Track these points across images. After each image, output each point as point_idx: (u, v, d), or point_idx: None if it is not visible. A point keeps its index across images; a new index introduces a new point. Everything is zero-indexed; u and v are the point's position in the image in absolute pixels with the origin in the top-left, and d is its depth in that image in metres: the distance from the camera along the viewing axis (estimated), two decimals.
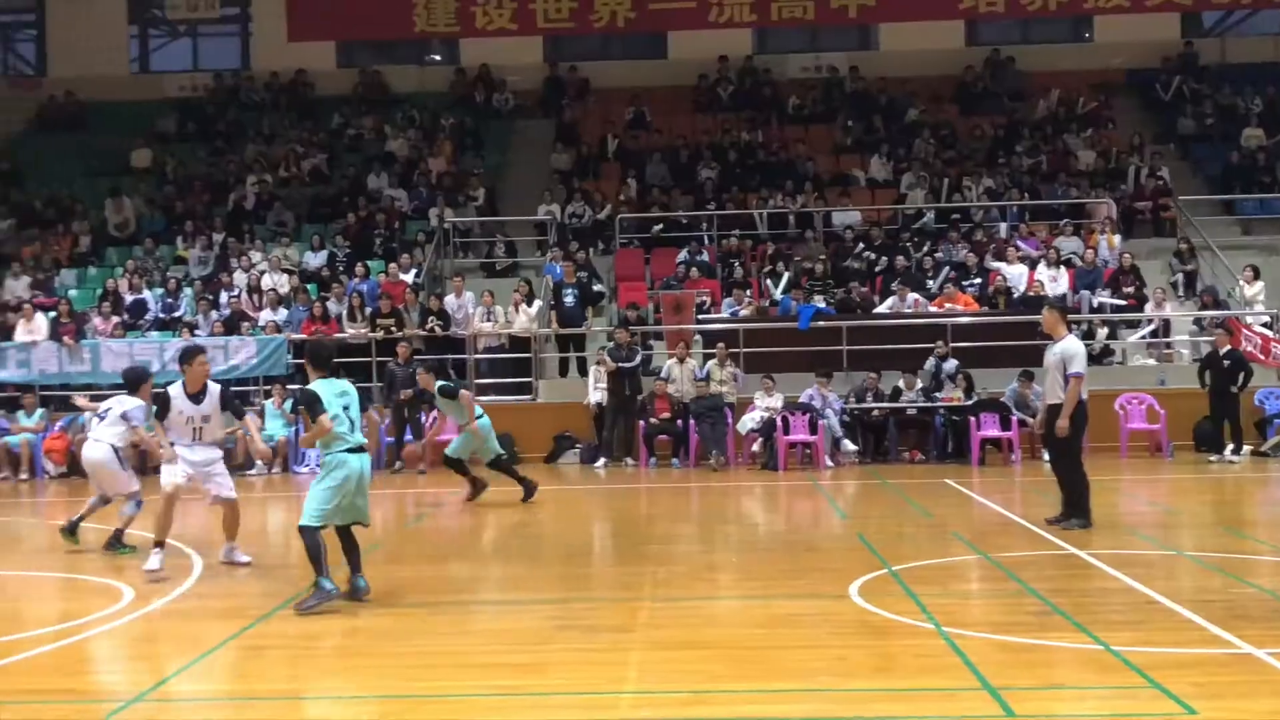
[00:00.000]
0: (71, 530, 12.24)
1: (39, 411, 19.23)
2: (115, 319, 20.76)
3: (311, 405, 9.12)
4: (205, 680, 7.45)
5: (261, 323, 20.54)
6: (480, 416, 15.25)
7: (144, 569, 10.47)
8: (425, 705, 6.91)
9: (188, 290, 21.93)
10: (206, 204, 26.14)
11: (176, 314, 21.23)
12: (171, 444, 10.80)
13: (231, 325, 20.47)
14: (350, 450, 9.19)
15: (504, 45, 29.91)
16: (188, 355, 10.88)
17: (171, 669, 7.60)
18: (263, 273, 22.34)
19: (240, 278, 22.31)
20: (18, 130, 30.51)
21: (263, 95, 30.39)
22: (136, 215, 25.65)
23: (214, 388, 10.89)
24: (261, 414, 19.13)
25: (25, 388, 19.71)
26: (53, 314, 20.63)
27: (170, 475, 10.77)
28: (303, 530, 9.17)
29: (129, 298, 21.63)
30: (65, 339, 19.89)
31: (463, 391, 15.42)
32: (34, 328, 20.13)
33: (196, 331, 20.21)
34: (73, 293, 22.45)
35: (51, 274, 23.28)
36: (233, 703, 7.04)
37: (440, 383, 15.36)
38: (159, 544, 10.67)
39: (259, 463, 18.64)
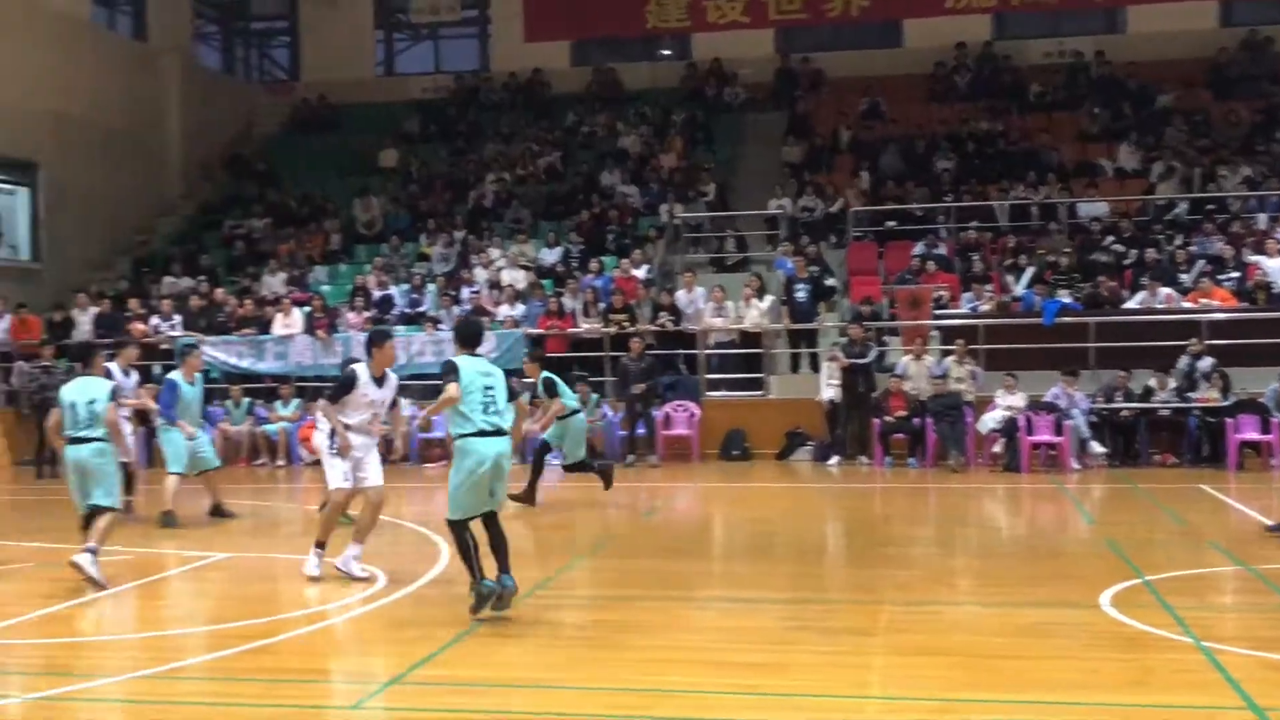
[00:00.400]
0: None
1: (295, 401, 20.16)
2: (365, 313, 21.60)
3: (446, 373, 8.61)
4: (454, 666, 7.64)
5: (500, 317, 21.04)
6: (575, 413, 14.99)
7: (304, 571, 10.19)
8: (667, 700, 6.92)
9: (431, 286, 22.65)
10: (448, 202, 26.96)
11: (421, 309, 21.94)
12: (346, 428, 10.15)
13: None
14: (478, 434, 8.57)
15: (735, 38, 29.87)
16: (379, 338, 10.33)
17: (421, 654, 7.82)
18: (501, 269, 22.89)
19: (480, 274, 22.92)
20: (274, 133, 32.10)
21: (501, 95, 31.17)
22: (383, 213, 26.65)
23: (393, 375, 10.43)
24: None
25: (282, 378, 20.71)
26: (307, 309, 21.59)
27: (336, 478, 10.25)
28: (449, 525, 8.77)
29: (377, 293, 22.48)
30: (319, 332, 20.80)
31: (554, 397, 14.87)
32: (290, 322, 21.12)
33: (440, 326, 20.84)
34: (325, 288, 23.47)
35: (306, 270, 24.38)
36: (481, 689, 7.19)
37: (545, 374, 14.95)
38: (320, 545, 10.26)
39: None
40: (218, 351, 20.92)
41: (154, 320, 21.54)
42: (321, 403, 10.78)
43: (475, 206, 26.53)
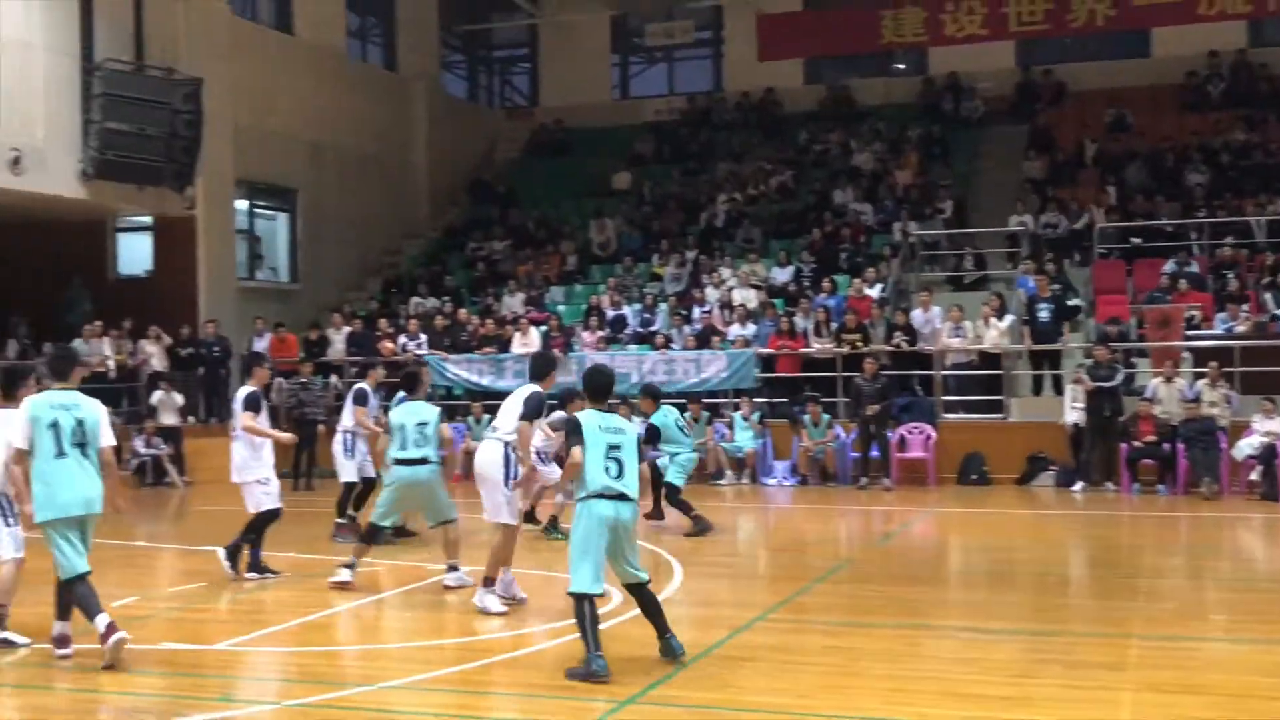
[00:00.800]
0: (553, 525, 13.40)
1: None
2: (599, 332, 21.99)
3: (570, 433, 7.99)
4: (691, 688, 7.67)
5: (731, 337, 21.11)
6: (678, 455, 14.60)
7: (478, 605, 9.87)
8: None
9: (663, 305, 22.90)
10: (680, 222, 27.22)
11: (653, 328, 22.21)
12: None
13: (703, 339, 21.18)
14: (600, 496, 7.80)
15: (974, 51, 29.21)
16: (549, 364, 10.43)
17: (659, 674, 7.88)
18: (732, 289, 22.97)
19: (711, 293, 23.05)
20: (513, 157, 33.07)
21: (733, 115, 31.32)
22: (617, 234, 27.09)
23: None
24: (731, 425, 19.69)
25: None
26: (544, 328, 22.12)
27: (511, 510, 10.01)
28: (571, 596, 7.89)
29: (610, 313, 22.86)
30: (556, 351, 21.26)
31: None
32: (528, 340, 21.67)
33: (671, 345, 21.06)
34: (561, 308, 24.01)
35: (543, 290, 24.99)
36: (717, 712, 7.20)
37: (651, 422, 14.54)
38: (489, 580, 9.90)
39: (728, 472, 19.22)
40: (460, 369, 21.64)
41: (401, 339, 22.42)
42: (521, 425, 9.78)
43: (707, 226, 26.71)
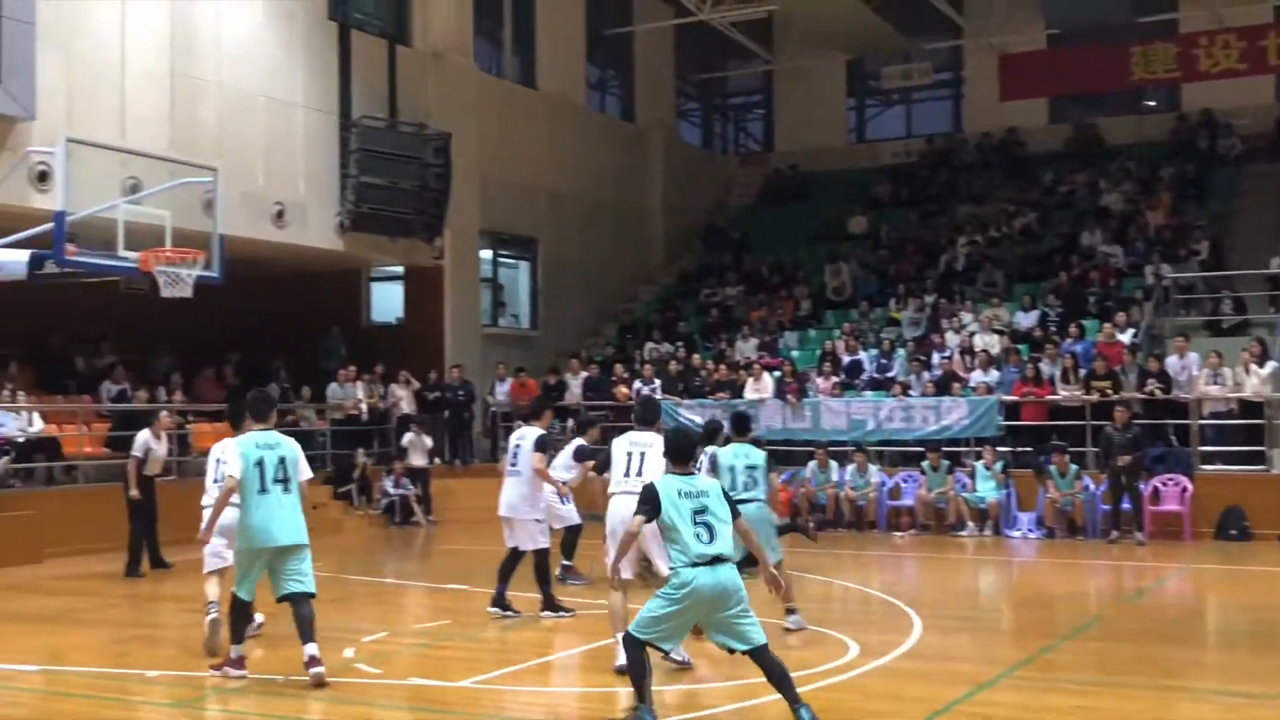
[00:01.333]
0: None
1: None
2: (834, 378, 21.78)
3: (640, 502, 7.68)
4: None
5: (973, 383, 20.56)
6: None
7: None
8: None
9: (900, 351, 22.52)
10: (918, 266, 26.78)
11: (890, 374, 21.85)
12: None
13: (943, 386, 20.71)
14: (692, 565, 7.39)
15: (1230, 87, 27.92)
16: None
17: None
18: (973, 333, 22.42)
19: (952, 338, 22.55)
20: (747, 203, 33.22)
21: (973, 156, 30.72)
22: (852, 279, 26.83)
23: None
24: (972, 475, 19.17)
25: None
26: (778, 373, 22.04)
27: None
28: (626, 640, 7.67)
29: (846, 358, 22.62)
30: (789, 397, 21.16)
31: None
32: (761, 386, 21.61)
33: (909, 392, 20.68)
34: (794, 353, 23.89)
35: (776, 336, 24.93)
36: None
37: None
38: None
39: (970, 523, 18.71)
40: (693, 414, 21.69)
41: (636, 384, 22.69)
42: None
43: (946, 270, 26.20)
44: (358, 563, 17.14)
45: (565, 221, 27.73)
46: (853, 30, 29.72)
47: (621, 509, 9.13)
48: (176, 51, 19.16)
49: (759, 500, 10.77)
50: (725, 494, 7.74)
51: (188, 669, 9.60)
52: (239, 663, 9.23)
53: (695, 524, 7.43)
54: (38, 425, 18.00)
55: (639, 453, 9.54)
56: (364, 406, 22.33)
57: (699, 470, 9.73)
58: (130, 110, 18.29)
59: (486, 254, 26.04)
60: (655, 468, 9.15)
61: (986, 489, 18.91)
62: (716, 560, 7.40)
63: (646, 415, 9.99)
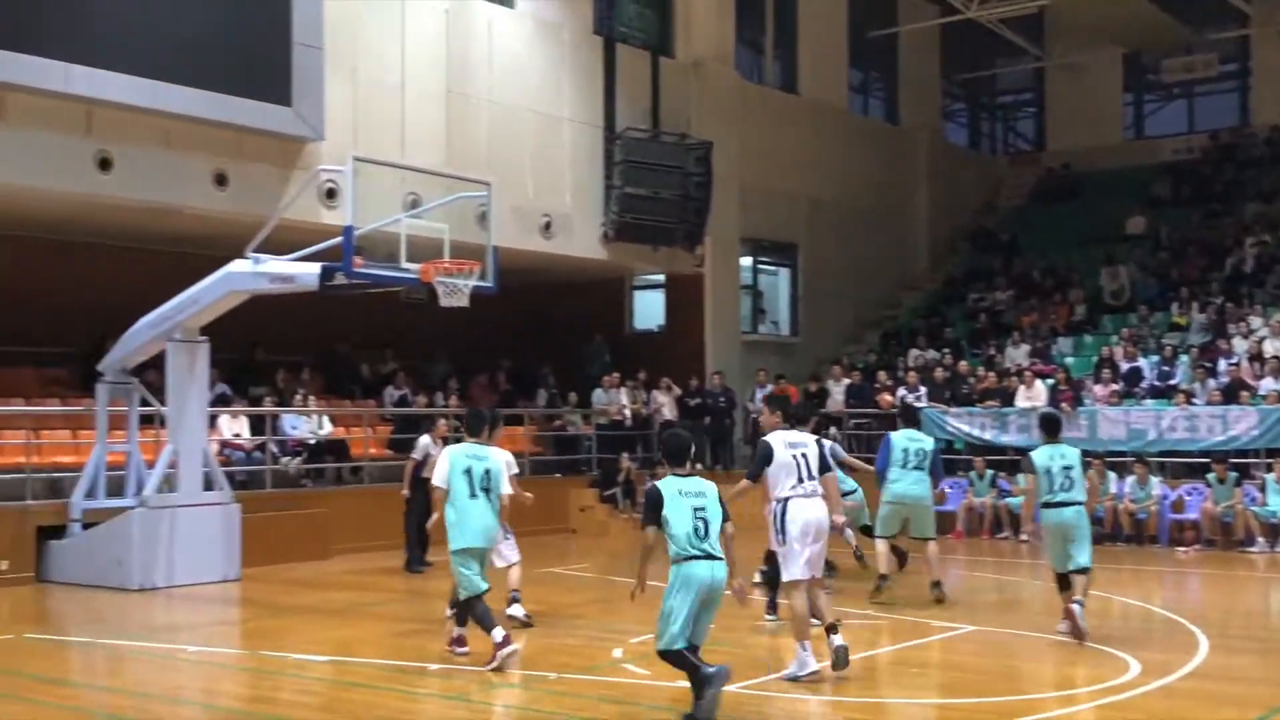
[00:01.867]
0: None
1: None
2: (1111, 386, 20.89)
3: (645, 509, 8.08)
4: None
5: (1263, 391, 19.38)
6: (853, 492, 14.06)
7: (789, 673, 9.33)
8: None
9: (1183, 357, 21.43)
10: (1202, 268, 25.45)
11: (1172, 381, 20.81)
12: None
13: (1230, 394, 19.60)
14: (690, 559, 7.88)
15: None
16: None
17: None
18: (1263, 339, 21.14)
19: (1239, 344, 21.32)
20: (1017, 204, 32.27)
21: (1262, 151, 28.97)
22: (1131, 282, 25.70)
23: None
24: (1263, 488, 18.07)
25: (1025, 450, 20.47)
26: (1051, 381, 21.28)
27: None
28: (665, 659, 8.00)
29: (1124, 365, 21.66)
30: (1064, 405, 20.37)
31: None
32: (1033, 394, 20.90)
33: (1194, 400, 19.65)
34: (1069, 360, 23.03)
35: (1049, 342, 24.08)
36: None
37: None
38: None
39: (1260, 539, 17.64)
40: (960, 423, 21.20)
41: (900, 391, 22.32)
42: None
43: (1233, 272, 24.78)
44: (623, 564, 17.44)
45: (826, 227, 27.53)
46: (1130, 22, 28.57)
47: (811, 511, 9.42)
48: (452, 70, 20.00)
49: (1078, 503, 10.66)
50: (720, 498, 8.18)
51: (467, 663, 9.96)
52: (461, 640, 10.10)
53: (695, 519, 7.95)
54: (327, 428, 19.05)
55: (801, 454, 9.53)
56: (628, 412, 22.74)
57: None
58: (409, 128, 19.19)
59: (746, 261, 26.12)
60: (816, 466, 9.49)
61: (1278, 503, 17.78)
62: (711, 556, 7.94)
63: (799, 413, 10.10)
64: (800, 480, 9.44)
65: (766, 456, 9.53)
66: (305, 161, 17.40)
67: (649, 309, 26.10)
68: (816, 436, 10.12)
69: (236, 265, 14.42)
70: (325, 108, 17.52)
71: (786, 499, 9.44)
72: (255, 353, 19.87)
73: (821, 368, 24.95)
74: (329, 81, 17.65)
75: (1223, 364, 20.69)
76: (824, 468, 9.62)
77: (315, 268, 13.85)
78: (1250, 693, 9.03)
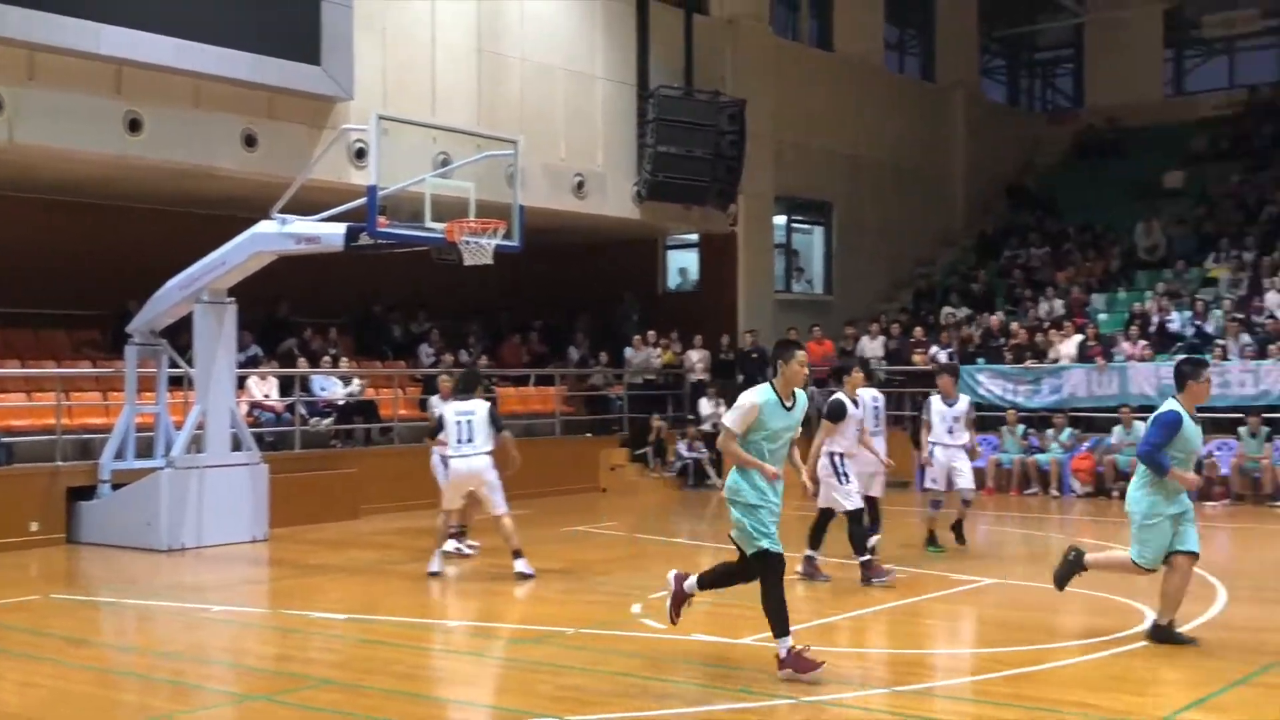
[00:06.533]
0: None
1: (1067, 430, 19.85)
2: (1143, 342, 20.74)
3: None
4: (1224, 712, 7.12)
5: None
6: None
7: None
8: None
9: (1216, 312, 21.25)
10: (1239, 223, 25.16)
11: (1209, 334, 20.64)
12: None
13: (1264, 348, 19.42)
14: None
15: None
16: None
17: (1185, 699, 7.37)
18: None
19: (1273, 298, 21.10)
20: (1055, 161, 31.97)
21: None
22: (1167, 237, 25.46)
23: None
24: None
25: (1056, 408, 20.45)
26: (1080, 337, 21.17)
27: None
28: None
29: (1156, 319, 21.51)
30: (1099, 360, 20.30)
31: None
32: (1067, 346, 20.81)
33: (1229, 355, 19.49)
34: (1101, 316, 22.88)
35: (1084, 298, 23.90)
36: None
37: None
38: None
39: None
40: (994, 384, 21.11)
41: (933, 349, 22.24)
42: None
43: (1270, 227, 24.49)
44: (652, 523, 17.59)
45: (861, 185, 27.41)
46: None
47: None
48: (483, 28, 19.95)
49: None
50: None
51: (487, 619, 10.09)
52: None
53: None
54: (355, 387, 19.21)
55: None
56: (657, 362, 22.75)
57: None
58: (440, 87, 19.20)
59: (780, 220, 26.03)
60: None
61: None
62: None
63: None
64: None
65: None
66: (335, 121, 17.45)
67: (683, 267, 26.11)
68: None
69: (263, 226, 14.54)
70: (355, 67, 17.54)
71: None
72: (280, 308, 19.87)
73: (855, 326, 24.78)
74: (358, 40, 17.66)
75: (1257, 319, 20.47)
76: None
77: (340, 228, 13.94)
78: (1270, 640, 9.05)
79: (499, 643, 9.54)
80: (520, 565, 12.00)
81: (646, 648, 9.07)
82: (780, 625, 7.97)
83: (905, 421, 21.77)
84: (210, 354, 15.21)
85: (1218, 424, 19.24)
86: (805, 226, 27.18)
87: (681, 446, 21.45)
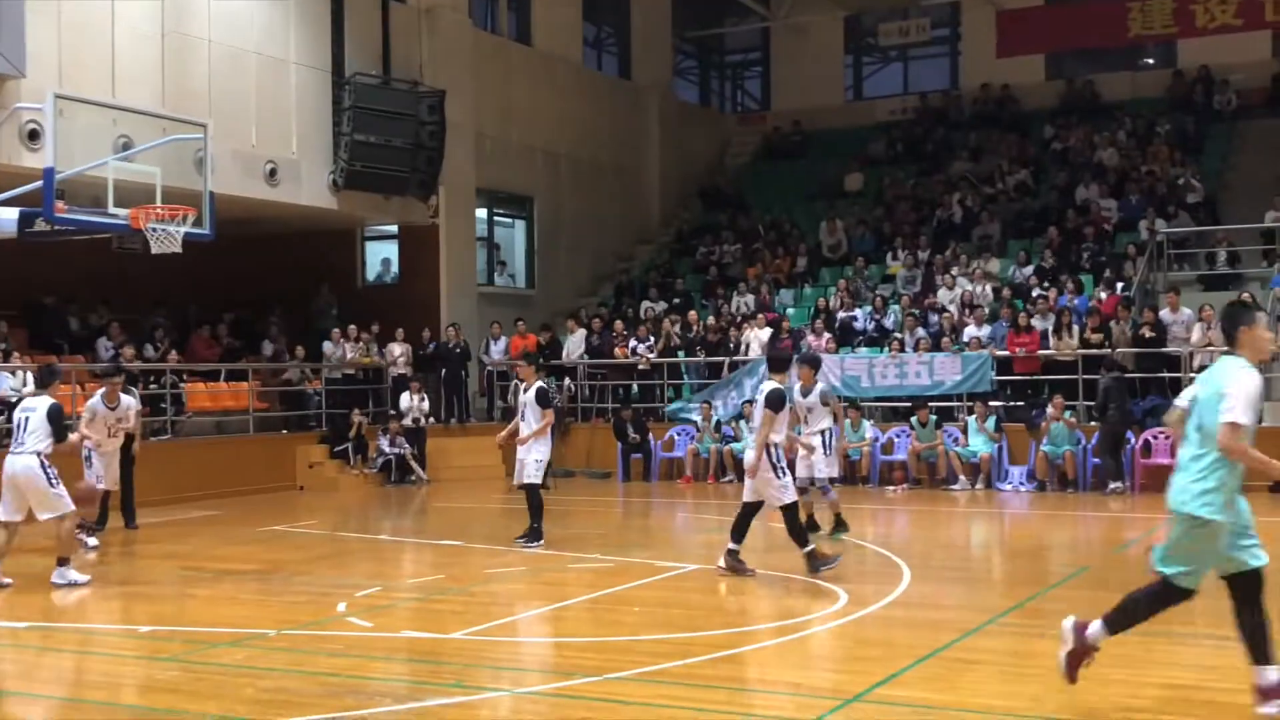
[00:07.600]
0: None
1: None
2: (825, 335, 21.78)
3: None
4: (915, 688, 7.53)
5: (965, 338, 20.60)
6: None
7: None
8: None
9: (895, 307, 22.54)
10: (914, 223, 26.76)
11: (885, 330, 21.86)
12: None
13: (937, 342, 20.74)
14: None
15: (1226, 42, 27.89)
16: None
17: (881, 674, 7.76)
18: (967, 289, 22.42)
19: (945, 294, 22.56)
20: (745, 161, 33.15)
21: (970, 112, 30.63)
22: (848, 236, 26.81)
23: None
24: (965, 430, 19.22)
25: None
26: (771, 330, 22.02)
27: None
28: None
29: (840, 315, 22.62)
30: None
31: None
32: (762, 336, 21.66)
33: (905, 349, 20.69)
34: (789, 310, 23.90)
35: (773, 293, 24.88)
36: (941, 712, 7.04)
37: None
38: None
39: (961, 477, 18.76)
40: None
41: (632, 343, 22.69)
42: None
43: (942, 226, 26.18)
44: (353, 520, 17.25)
45: (561, 180, 27.67)
46: None
47: None
48: (168, 8, 19.01)
49: None
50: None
51: (176, 624, 9.63)
52: None
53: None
54: (30, 386, 17.91)
55: None
56: (353, 358, 22.30)
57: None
58: (121, 68, 18.16)
59: (482, 212, 25.98)
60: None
61: (978, 443, 18.97)
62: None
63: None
64: None
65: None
66: (5, 100, 16.28)
67: (382, 260, 25.68)
68: None
69: None
70: (27, 42, 16.40)
71: None
72: None
73: (556, 320, 25.05)
74: (31, 15, 16.50)
75: (932, 315, 21.82)
76: None
77: (14, 213, 13.05)
78: (949, 618, 9.61)
79: (196, 647, 9.11)
80: (57, 575, 11.28)
81: (354, 646, 8.88)
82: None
83: (608, 414, 22.23)
84: None
85: (897, 412, 20.47)
86: (507, 220, 27.24)
87: (383, 442, 21.09)
